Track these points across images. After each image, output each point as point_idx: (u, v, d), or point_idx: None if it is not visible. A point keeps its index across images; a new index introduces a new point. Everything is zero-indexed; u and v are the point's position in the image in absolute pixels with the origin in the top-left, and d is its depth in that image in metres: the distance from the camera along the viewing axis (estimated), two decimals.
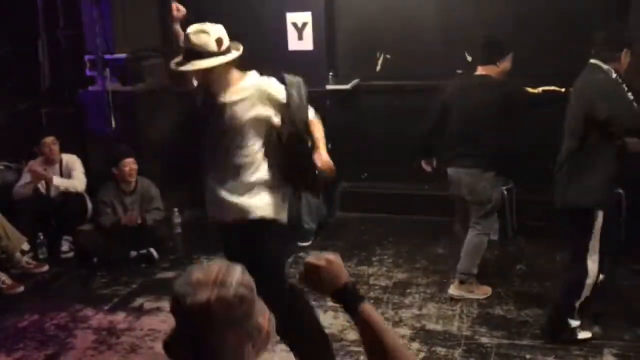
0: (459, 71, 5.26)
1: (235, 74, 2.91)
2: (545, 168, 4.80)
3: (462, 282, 4.02)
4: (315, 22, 5.34)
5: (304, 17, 5.34)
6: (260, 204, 2.92)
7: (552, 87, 3.91)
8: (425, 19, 5.29)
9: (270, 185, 2.95)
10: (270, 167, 2.96)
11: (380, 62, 5.52)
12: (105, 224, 4.87)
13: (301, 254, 4.87)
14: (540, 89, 3.92)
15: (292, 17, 5.36)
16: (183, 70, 2.80)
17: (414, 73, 5.37)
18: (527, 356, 3.38)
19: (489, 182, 3.95)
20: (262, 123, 2.90)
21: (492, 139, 3.86)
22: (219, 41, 2.78)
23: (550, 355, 3.38)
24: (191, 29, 2.82)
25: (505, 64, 3.90)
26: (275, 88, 2.91)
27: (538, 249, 4.72)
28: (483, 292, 4.07)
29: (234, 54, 2.85)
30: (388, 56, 5.49)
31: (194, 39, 2.76)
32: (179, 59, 2.87)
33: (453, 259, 4.18)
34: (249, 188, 2.90)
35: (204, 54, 2.75)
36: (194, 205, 5.79)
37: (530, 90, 3.89)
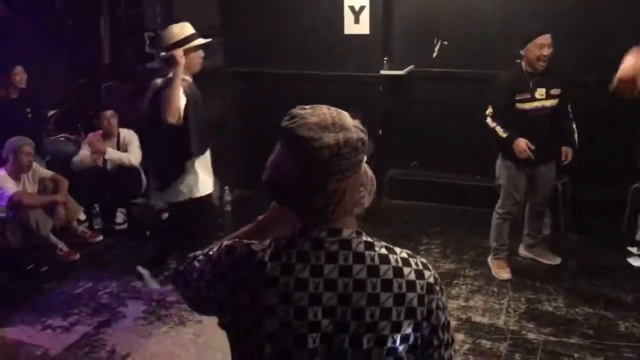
0: (518, 61, 5.14)
1: None
2: (599, 164, 4.75)
3: (493, 256, 4.30)
4: (373, 6, 5.28)
5: (361, 0, 5.29)
6: None
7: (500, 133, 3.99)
8: (484, 7, 5.17)
9: None
10: None
11: (437, 48, 5.43)
12: (153, 204, 4.98)
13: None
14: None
15: (349, 1, 5.32)
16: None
17: (470, 61, 5.27)
18: (576, 355, 3.32)
19: (502, 169, 4.11)
20: None
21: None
22: None
23: (600, 355, 3.30)
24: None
25: (524, 55, 3.96)
26: None
27: (590, 246, 4.60)
28: (498, 271, 4.22)
29: None
30: (445, 43, 5.39)
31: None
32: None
33: None
34: None
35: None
36: (244, 184, 5.89)
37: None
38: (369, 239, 1.30)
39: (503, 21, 5.11)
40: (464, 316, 3.73)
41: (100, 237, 5.04)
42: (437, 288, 1.30)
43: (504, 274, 4.18)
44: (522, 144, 3.89)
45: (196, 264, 1.39)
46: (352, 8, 5.32)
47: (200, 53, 3.71)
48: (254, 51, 5.68)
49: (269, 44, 5.61)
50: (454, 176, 5.54)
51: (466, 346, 3.42)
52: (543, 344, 3.42)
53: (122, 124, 5.39)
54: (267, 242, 1.30)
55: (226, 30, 5.68)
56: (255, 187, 6.09)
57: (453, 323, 3.55)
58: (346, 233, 1.27)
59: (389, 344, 1.23)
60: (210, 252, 1.37)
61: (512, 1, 5.08)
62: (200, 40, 3.70)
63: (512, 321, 3.66)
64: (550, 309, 3.80)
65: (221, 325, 1.33)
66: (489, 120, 4.01)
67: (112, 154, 5.20)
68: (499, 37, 5.12)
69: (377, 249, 1.28)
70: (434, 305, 1.28)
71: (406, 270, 1.27)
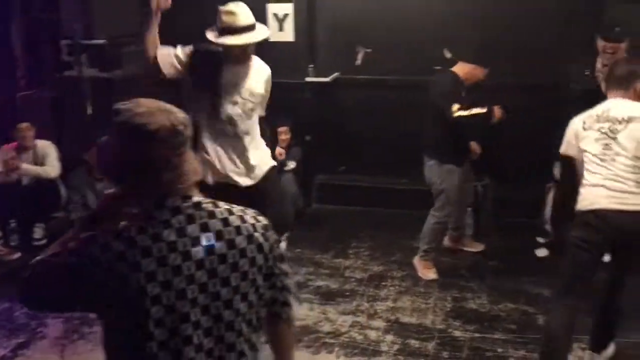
0: (437, 67, 5.30)
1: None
2: (520, 165, 4.97)
3: (420, 257, 4.37)
4: (297, 14, 5.32)
5: (285, 8, 5.32)
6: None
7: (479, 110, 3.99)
8: (406, 15, 5.29)
9: None
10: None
11: (361, 56, 5.52)
12: (73, 218, 4.80)
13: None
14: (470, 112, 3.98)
15: (273, 8, 5.33)
16: (239, 43, 3.21)
17: (393, 68, 5.38)
18: (499, 350, 3.44)
19: (445, 174, 4.13)
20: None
21: (444, 132, 4.07)
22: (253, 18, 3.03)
23: (522, 349, 3.44)
24: (231, 6, 3.24)
25: (469, 68, 4.12)
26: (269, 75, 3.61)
27: (512, 245, 4.78)
28: (424, 272, 4.32)
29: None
30: (369, 50, 5.49)
31: (241, 15, 2.99)
32: (218, 35, 3.25)
33: None
34: None
35: (251, 27, 2.98)
36: None
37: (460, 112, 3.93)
38: (211, 200, 1.55)
39: (424, 29, 5.25)
40: (392, 317, 3.79)
41: (18, 254, 4.79)
42: (270, 226, 1.61)
43: (431, 274, 4.29)
44: (474, 145, 4.33)
45: (50, 265, 1.45)
46: (276, 16, 5.34)
47: None
48: None
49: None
50: (380, 180, 5.63)
51: (395, 347, 3.47)
52: (469, 341, 3.53)
53: (39, 136, 5.16)
54: (122, 224, 1.47)
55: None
56: None
57: (382, 324, 3.65)
58: (195, 198, 1.51)
59: (250, 276, 1.52)
60: (63, 250, 1.46)
61: (433, 8, 5.23)
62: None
63: (439, 320, 3.76)
64: (474, 306, 3.93)
65: (99, 310, 1.47)
66: (460, 112, 3.92)
67: (28, 169, 4.96)
68: (421, 44, 5.27)
69: (220, 206, 1.54)
70: (272, 239, 1.60)
71: (246, 217, 1.56)
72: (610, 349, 3.23)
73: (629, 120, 2.93)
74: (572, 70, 4.53)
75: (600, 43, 4.12)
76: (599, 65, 4.17)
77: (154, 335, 1.40)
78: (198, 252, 1.44)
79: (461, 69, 4.13)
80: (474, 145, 4.47)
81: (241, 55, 3.37)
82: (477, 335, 3.59)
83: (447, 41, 5.16)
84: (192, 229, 1.46)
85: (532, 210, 4.83)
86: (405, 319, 3.78)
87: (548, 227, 4.63)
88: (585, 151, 3.00)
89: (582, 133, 3.03)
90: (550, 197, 4.62)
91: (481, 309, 3.90)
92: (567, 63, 4.61)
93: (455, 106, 3.92)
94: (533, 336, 3.54)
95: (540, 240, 4.67)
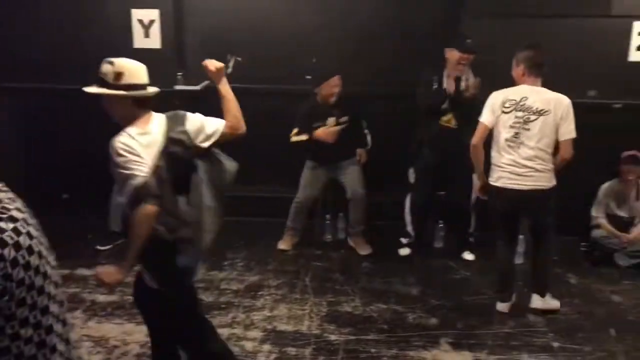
0: (308, 77, 5.40)
1: (138, 112, 2.65)
2: (386, 170, 5.19)
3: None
4: (163, 20, 5.17)
5: (151, 14, 5.15)
6: None
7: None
8: (274, 23, 5.34)
9: None
10: None
11: (231, 64, 5.47)
12: None
13: None
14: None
15: (138, 14, 5.14)
16: (85, 90, 2.65)
17: (264, 76, 5.40)
18: (373, 350, 3.55)
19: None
20: None
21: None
22: (117, 75, 2.57)
23: (394, 347, 3.57)
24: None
25: (321, 89, 4.76)
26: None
27: (381, 246, 4.98)
28: (279, 243, 5.04)
29: (126, 92, 2.60)
30: (239, 59, 5.45)
31: (101, 67, 2.60)
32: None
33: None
34: None
35: (99, 81, 2.59)
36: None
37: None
38: None
39: (293, 37, 5.33)
40: (269, 327, 3.79)
41: None
42: None
43: (282, 245, 5.01)
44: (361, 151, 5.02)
45: None
46: (141, 22, 5.16)
47: None
48: (30, 67, 5.22)
49: (50, 58, 5.20)
50: (254, 189, 5.61)
51: (273, 356, 3.47)
52: (344, 344, 3.61)
53: None
54: None
55: None
56: (40, 213, 5.59)
57: (259, 335, 3.63)
58: None
59: None
60: None
61: (299, 17, 5.33)
62: None
63: (315, 325, 3.81)
64: (349, 309, 4.03)
65: None
66: (294, 138, 4.72)
67: None
68: (290, 53, 5.34)
69: None
70: None
71: None
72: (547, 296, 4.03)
73: (540, 113, 3.63)
74: (421, 80, 4.78)
75: (454, 54, 4.44)
76: (446, 76, 4.52)
77: None
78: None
79: (319, 90, 4.71)
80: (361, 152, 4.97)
81: None
82: (351, 337, 3.68)
83: (316, 51, 5.30)
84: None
85: (394, 212, 5.08)
86: (282, 326, 3.79)
87: (409, 228, 4.93)
88: (500, 132, 3.76)
89: (501, 113, 3.75)
90: (407, 201, 4.91)
91: (355, 311, 4.01)
92: (416, 72, 4.86)
93: (294, 131, 4.66)
94: (403, 334, 3.70)
95: (404, 240, 4.93)
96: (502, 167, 3.78)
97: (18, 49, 5.19)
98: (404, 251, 4.92)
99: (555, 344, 3.63)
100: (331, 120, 4.71)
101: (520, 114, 3.69)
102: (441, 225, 5.07)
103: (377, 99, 5.28)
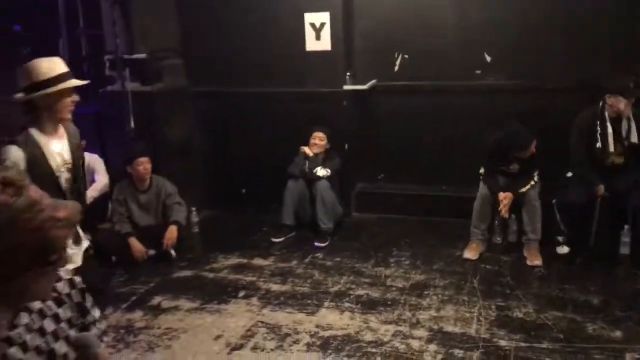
0: (478, 72, 5.24)
1: None
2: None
3: None
4: (334, 23, 5.33)
5: (322, 17, 5.33)
6: None
7: None
8: (442, 20, 5.27)
9: None
10: None
11: (398, 62, 5.50)
12: (119, 230, 4.87)
13: (318, 254, 4.88)
14: None
15: (310, 18, 5.35)
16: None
17: (432, 74, 5.35)
18: (547, 359, 3.35)
19: None
20: None
21: None
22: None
23: (571, 359, 3.33)
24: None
25: None
26: None
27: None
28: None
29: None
30: (406, 57, 5.46)
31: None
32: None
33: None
34: None
35: None
36: (212, 205, 5.83)
37: None
38: None
39: (461, 33, 5.21)
40: (436, 327, 3.73)
41: None
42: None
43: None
44: None
45: None
46: (313, 25, 5.36)
47: (76, 97, 2.95)
48: (216, 71, 5.67)
49: (231, 63, 5.61)
50: (420, 188, 5.58)
51: (439, 357, 3.41)
52: (515, 351, 3.44)
53: (84, 149, 5.27)
54: None
55: (187, 50, 5.66)
56: (222, 207, 6.07)
57: (425, 334, 3.59)
58: None
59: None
60: None
61: (468, 13, 5.18)
62: (76, 82, 2.92)
63: (484, 329, 3.68)
64: (520, 315, 3.83)
65: None
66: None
67: (93, 194, 4.82)
68: (457, 49, 5.23)
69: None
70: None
71: None
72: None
73: None
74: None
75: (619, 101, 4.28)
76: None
77: None
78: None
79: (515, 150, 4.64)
80: None
81: None
82: (523, 344, 3.49)
83: (484, 46, 5.12)
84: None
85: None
86: (449, 328, 3.71)
87: (562, 226, 4.69)
88: None
89: None
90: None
91: (527, 318, 3.80)
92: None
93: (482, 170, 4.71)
94: (581, 345, 3.44)
95: (560, 239, 4.70)
96: None
97: (206, 55, 5.65)
98: (562, 250, 4.71)
99: None
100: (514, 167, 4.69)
101: None
102: (626, 230, 4.61)
103: (553, 92, 4.97)
